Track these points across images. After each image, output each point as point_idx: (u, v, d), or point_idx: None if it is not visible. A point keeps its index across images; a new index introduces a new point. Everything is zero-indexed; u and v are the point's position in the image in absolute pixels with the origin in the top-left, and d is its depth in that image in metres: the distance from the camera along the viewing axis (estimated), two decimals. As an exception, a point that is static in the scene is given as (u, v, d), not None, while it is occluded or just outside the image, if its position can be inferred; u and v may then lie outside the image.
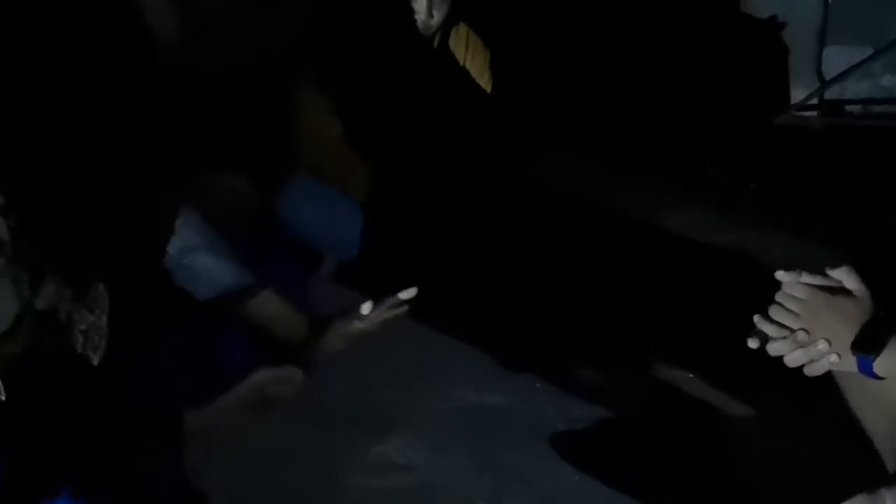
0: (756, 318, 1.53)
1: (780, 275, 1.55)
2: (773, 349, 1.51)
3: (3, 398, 1.33)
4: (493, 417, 1.90)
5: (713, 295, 2.24)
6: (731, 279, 2.40)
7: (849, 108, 4.80)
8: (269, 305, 2.05)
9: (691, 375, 2.03)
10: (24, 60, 2.08)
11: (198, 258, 2.00)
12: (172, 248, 2.00)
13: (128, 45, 2.20)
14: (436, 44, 2.84)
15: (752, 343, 1.52)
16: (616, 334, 2.24)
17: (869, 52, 4.40)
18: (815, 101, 4.61)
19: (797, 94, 4.57)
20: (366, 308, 2.05)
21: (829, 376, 1.61)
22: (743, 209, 3.27)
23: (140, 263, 1.99)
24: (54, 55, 2.10)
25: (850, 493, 1.41)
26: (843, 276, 1.53)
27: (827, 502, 1.42)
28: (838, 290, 1.52)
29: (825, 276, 1.53)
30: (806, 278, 1.53)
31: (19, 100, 2.05)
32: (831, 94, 4.66)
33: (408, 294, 2.07)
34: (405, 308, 2.08)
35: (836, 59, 4.63)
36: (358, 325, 2.05)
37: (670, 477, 1.66)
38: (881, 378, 1.48)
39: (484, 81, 3.10)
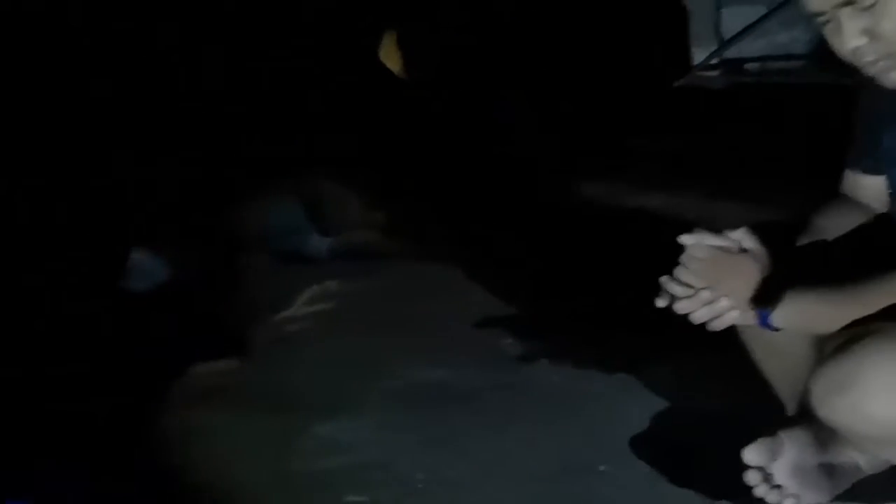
0: (663, 278, 1.59)
1: (683, 238, 1.62)
2: (680, 307, 1.56)
3: None
4: (430, 393, 1.96)
5: (626, 259, 2.34)
6: (641, 243, 2.51)
7: (748, 66, 4.94)
8: None
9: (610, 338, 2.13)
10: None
11: None
12: None
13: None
14: None
15: (660, 302, 1.57)
16: (538, 303, 2.34)
17: (764, 11, 4.53)
18: (715, 61, 4.74)
19: (698, 56, 4.68)
20: None
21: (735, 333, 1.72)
22: (654, 173, 3.38)
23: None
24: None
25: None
26: (742, 235, 1.58)
27: (736, 449, 1.53)
28: (737, 250, 1.61)
29: (725, 236, 1.64)
30: (707, 239, 1.62)
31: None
32: (730, 53, 4.79)
33: None
34: None
35: (734, 19, 4.74)
36: None
37: (593, 437, 1.75)
38: (778, 330, 1.55)
39: (393, 63, 3.17)
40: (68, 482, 1.53)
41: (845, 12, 1.43)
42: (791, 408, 1.67)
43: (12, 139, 2.46)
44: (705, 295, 1.56)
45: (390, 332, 2.26)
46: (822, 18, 1.47)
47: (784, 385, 1.70)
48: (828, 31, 1.48)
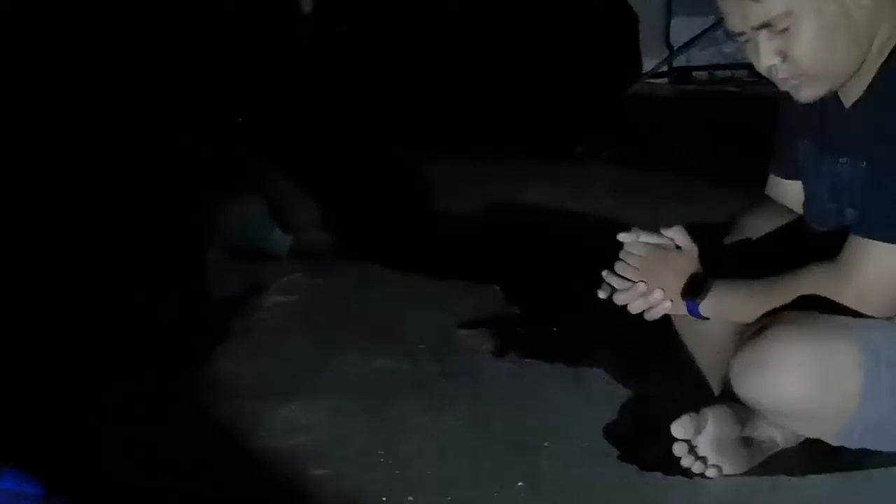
0: (604, 273, 1.72)
1: (621, 236, 1.75)
2: (619, 299, 1.71)
3: None
4: (383, 379, 2.09)
5: (572, 256, 2.48)
6: (590, 242, 2.65)
7: (696, 74, 5.13)
8: None
9: (554, 329, 2.28)
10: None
11: None
12: None
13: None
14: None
15: (602, 294, 1.72)
16: (490, 298, 2.48)
17: (712, 21, 4.71)
18: (664, 69, 4.92)
19: (648, 64, 4.86)
20: None
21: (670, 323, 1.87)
22: (600, 177, 3.53)
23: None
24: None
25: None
26: (675, 234, 1.73)
27: (667, 426, 1.69)
28: (671, 247, 1.74)
29: (660, 234, 1.77)
30: (644, 237, 1.74)
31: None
32: (679, 62, 4.98)
33: None
34: None
35: (683, 29, 4.94)
36: None
37: (538, 417, 1.89)
38: (706, 318, 1.70)
39: None
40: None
41: (762, 34, 1.56)
42: (716, 390, 1.83)
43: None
44: (641, 287, 1.71)
45: (346, 325, 2.37)
46: (742, 38, 1.61)
47: (711, 368, 1.83)
48: (747, 50, 1.63)
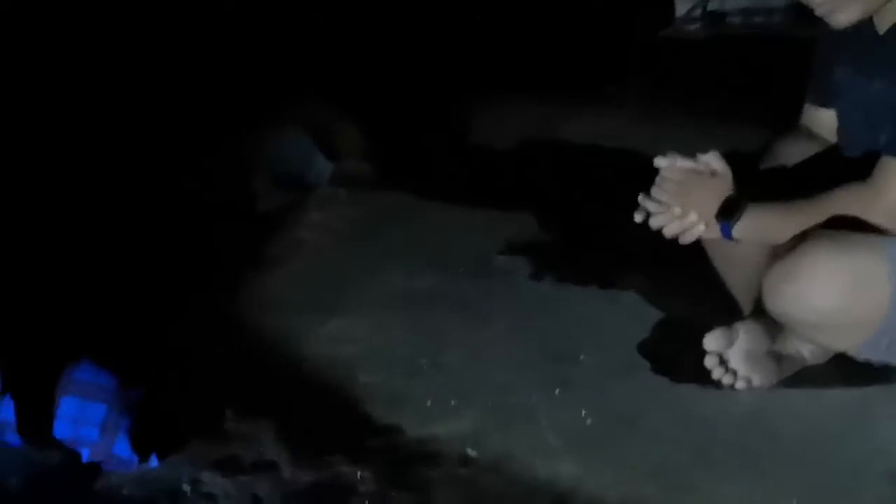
0: (640, 197, 1.77)
1: (658, 160, 1.81)
2: (655, 222, 1.76)
3: None
4: (423, 298, 2.16)
5: (608, 185, 2.55)
6: (620, 174, 2.70)
7: (729, 19, 5.10)
8: None
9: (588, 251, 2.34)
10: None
11: None
12: None
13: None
14: None
15: (638, 217, 1.76)
16: (527, 223, 2.54)
17: (747, -34, 4.70)
18: (697, 13, 4.91)
19: (681, 8, 4.85)
20: None
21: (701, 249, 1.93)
22: (633, 116, 3.57)
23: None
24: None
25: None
26: (711, 158, 1.77)
27: (698, 343, 1.76)
28: (706, 172, 1.79)
29: (695, 160, 1.83)
30: (680, 162, 1.79)
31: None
32: (713, 6, 4.95)
33: None
34: None
35: (717, -26, 4.89)
36: None
37: (573, 332, 1.96)
38: (738, 241, 1.75)
39: None
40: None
41: None
42: (747, 310, 1.90)
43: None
44: (676, 211, 1.75)
45: (386, 249, 2.44)
46: None
47: (741, 290, 1.91)
48: None
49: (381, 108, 3.08)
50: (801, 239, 1.66)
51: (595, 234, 2.38)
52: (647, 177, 1.81)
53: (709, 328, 1.76)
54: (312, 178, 2.83)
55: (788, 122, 1.99)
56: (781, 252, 1.69)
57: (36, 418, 1.52)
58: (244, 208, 2.61)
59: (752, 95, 3.71)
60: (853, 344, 1.68)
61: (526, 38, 3.96)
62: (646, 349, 1.89)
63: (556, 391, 1.75)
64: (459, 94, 3.34)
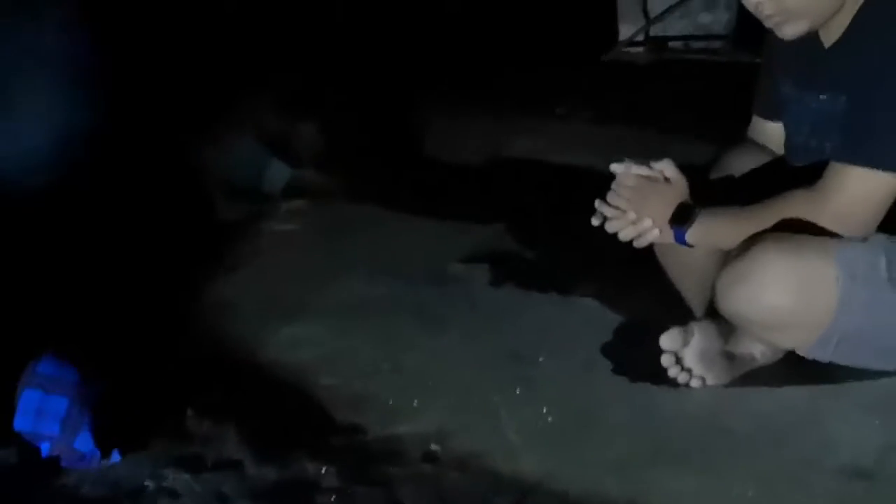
0: (597, 202, 1.82)
1: (614, 166, 1.86)
2: (610, 226, 1.82)
3: None
4: (383, 303, 2.19)
5: (562, 197, 2.60)
6: (570, 189, 2.76)
7: (671, 44, 5.23)
8: None
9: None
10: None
11: None
12: None
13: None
14: None
15: (595, 220, 1.82)
16: (482, 231, 2.58)
17: (689, -9, 4.83)
18: (641, 37, 5.02)
19: (625, 32, 4.97)
20: None
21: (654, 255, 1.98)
22: (580, 136, 3.65)
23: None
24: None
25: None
26: (664, 166, 1.83)
27: (653, 344, 1.81)
28: (660, 178, 1.83)
29: (650, 166, 1.88)
30: (635, 169, 1.84)
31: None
32: (655, 31, 5.07)
33: None
34: None
35: (659, -1, 5.03)
36: None
37: (532, 336, 1.99)
38: (691, 246, 1.81)
39: None
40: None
41: None
42: (699, 314, 1.95)
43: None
44: (631, 215, 1.81)
45: (344, 256, 2.47)
46: None
47: (694, 295, 1.96)
48: None
49: (340, 116, 3.11)
50: (752, 243, 1.71)
51: (548, 242, 2.43)
52: (596, 189, 1.85)
53: (663, 330, 1.81)
54: (267, 186, 2.85)
55: (732, 138, 2.06)
56: (733, 256, 1.75)
57: (-4, 414, 1.50)
58: (203, 214, 2.60)
59: (694, 115, 3.80)
60: (802, 343, 1.74)
61: (482, 58, 4.04)
62: (602, 350, 1.93)
63: (517, 390, 1.79)
64: (417, 107, 3.39)
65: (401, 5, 3.94)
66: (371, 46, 3.27)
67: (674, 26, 5.08)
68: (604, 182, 1.87)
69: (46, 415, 1.49)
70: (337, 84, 3.14)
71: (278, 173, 2.85)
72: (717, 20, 5.06)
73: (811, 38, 1.77)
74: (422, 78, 3.58)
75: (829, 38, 1.77)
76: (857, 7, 1.71)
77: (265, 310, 2.14)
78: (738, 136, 2.06)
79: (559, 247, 2.36)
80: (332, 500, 1.49)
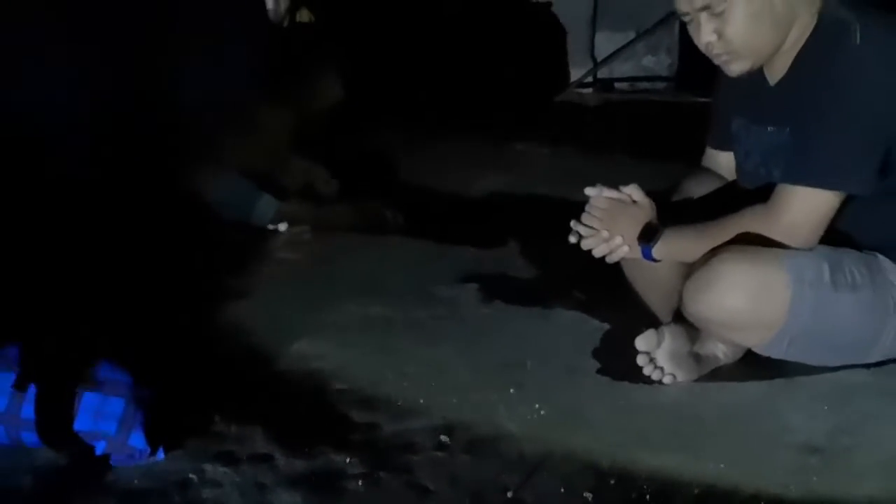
0: (572, 222, 2.06)
1: (588, 190, 2.10)
2: (585, 244, 2.04)
3: None
4: (379, 322, 2.38)
5: (527, 225, 2.85)
6: (537, 218, 3.00)
7: (618, 85, 5.54)
8: None
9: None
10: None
11: None
12: None
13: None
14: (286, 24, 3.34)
15: (572, 238, 2.05)
16: (465, 257, 2.81)
17: (633, 36, 5.15)
18: (589, 79, 5.33)
19: (575, 74, 5.27)
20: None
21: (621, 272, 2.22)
22: (540, 167, 3.92)
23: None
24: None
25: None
26: (632, 190, 2.06)
27: (627, 348, 2.05)
28: (628, 201, 2.06)
29: (619, 190, 2.10)
30: (606, 192, 2.08)
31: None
32: (603, 73, 5.38)
33: None
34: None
35: (606, 43, 5.35)
36: None
37: (518, 346, 2.21)
38: (658, 261, 2.04)
39: None
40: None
41: (703, 15, 1.93)
42: (665, 321, 2.18)
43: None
44: (604, 234, 2.05)
45: (335, 282, 2.67)
46: (686, 18, 1.97)
47: (660, 306, 2.18)
48: (690, 29, 1.98)
49: (325, 149, 3.33)
50: (712, 255, 1.95)
51: (525, 262, 2.66)
52: (556, 213, 2.10)
53: (635, 336, 2.04)
54: (255, 218, 3.03)
55: (675, 166, 2.31)
56: (696, 267, 1.99)
57: (55, 416, 1.67)
58: (195, 251, 2.79)
59: (639, 148, 4.06)
60: (759, 342, 1.99)
61: (450, 96, 4.32)
62: (583, 355, 2.17)
63: (511, 391, 2.00)
64: (391, 142, 3.64)
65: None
66: (353, 84, 3.50)
67: (620, 69, 5.41)
68: (562, 207, 2.12)
69: (104, 415, 1.66)
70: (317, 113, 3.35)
71: (266, 205, 3.04)
72: (659, 63, 5.41)
73: (758, 77, 2.04)
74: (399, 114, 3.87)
75: (773, 76, 2.03)
76: (797, 49, 1.97)
77: (272, 329, 2.32)
78: (680, 164, 2.32)
79: (535, 266, 2.60)
80: (360, 483, 1.68)
